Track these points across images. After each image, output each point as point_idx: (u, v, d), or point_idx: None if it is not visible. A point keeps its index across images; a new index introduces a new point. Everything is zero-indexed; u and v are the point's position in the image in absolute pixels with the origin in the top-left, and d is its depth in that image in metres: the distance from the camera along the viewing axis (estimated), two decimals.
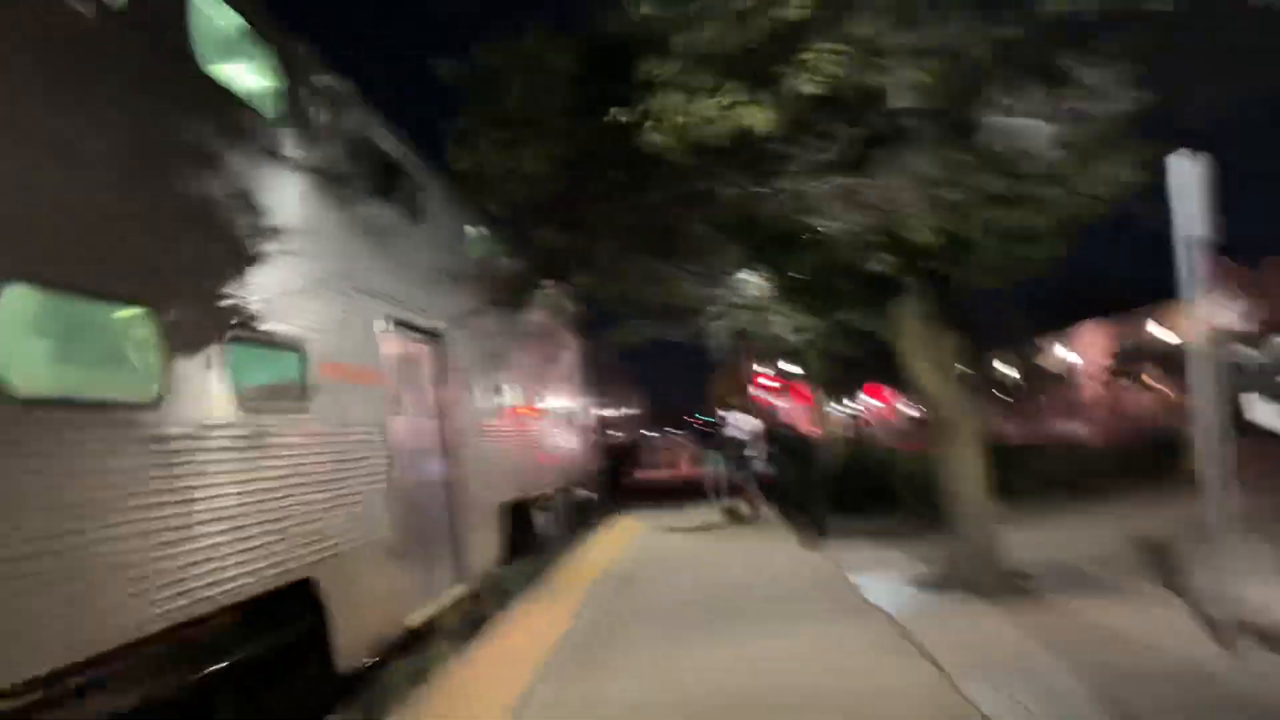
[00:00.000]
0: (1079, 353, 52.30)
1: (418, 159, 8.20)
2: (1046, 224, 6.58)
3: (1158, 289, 49.81)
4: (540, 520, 12.72)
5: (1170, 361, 43.88)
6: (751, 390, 22.16)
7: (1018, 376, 57.47)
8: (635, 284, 14.94)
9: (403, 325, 7.51)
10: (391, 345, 7.23)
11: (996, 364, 60.53)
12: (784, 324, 16.49)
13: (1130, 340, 49.60)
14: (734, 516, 13.79)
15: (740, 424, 13.85)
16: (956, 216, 6.56)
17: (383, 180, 7.15)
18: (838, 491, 11.93)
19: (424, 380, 8.09)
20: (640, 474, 26.69)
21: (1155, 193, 6.66)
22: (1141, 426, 17.94)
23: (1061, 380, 49.12)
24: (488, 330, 9.84)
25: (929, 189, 6.34)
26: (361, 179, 6.84)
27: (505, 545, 10.10)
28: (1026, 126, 5.95)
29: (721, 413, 14.05)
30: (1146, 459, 13.85)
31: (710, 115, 5.22)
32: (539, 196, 6.45)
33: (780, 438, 15.89)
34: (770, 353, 17.68)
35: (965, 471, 7.61)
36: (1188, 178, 4.91)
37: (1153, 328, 49.55)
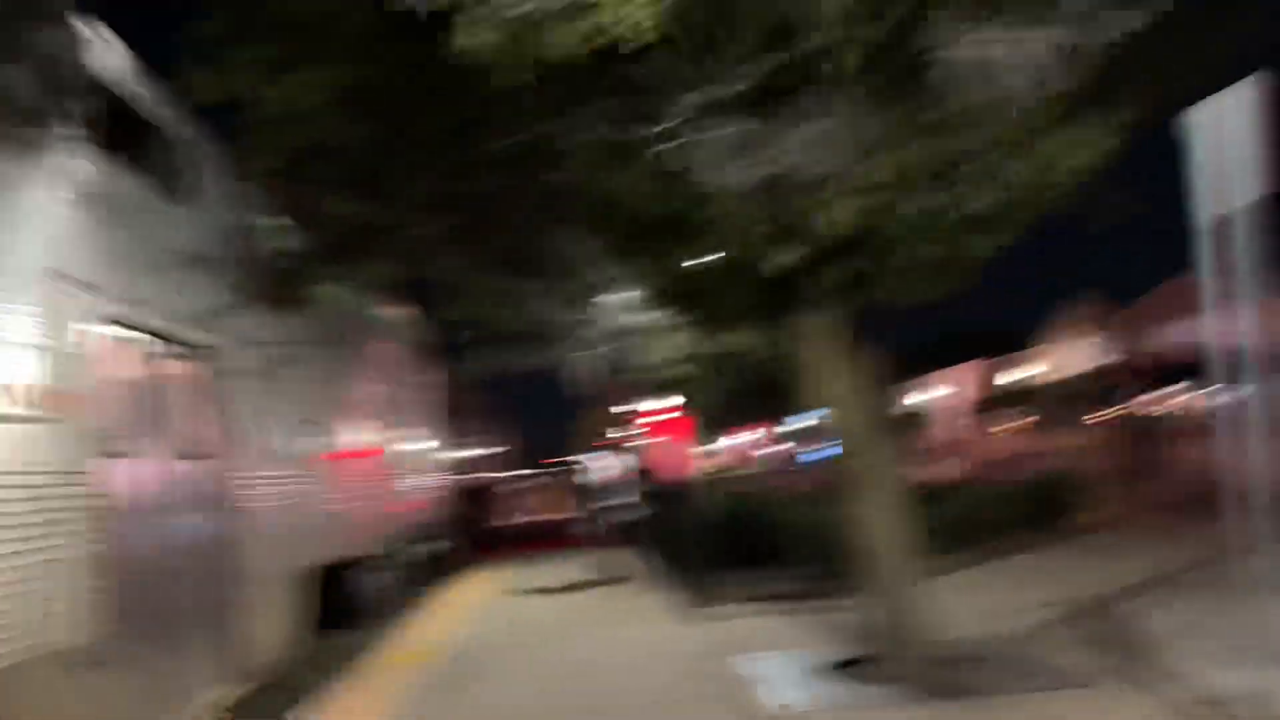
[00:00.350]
0: (951, 392, 52.91)
1: (163, 94, 6.09)
2: (997, 207, 5.11)
3: (1022, 333, 51.15)
4: (372, 582, 10.59)
5: (1040, 401, 44.71)
6: (620, 429, 20.45)
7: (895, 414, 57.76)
8: (473, 295, 12.94)
9: (136, 331, 5.45)
10: (111, 360, 5.17)
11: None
12: (658, 351, 14.86)
13: (1001, 379, 50.41)
14: (604, 574, 11.94)
15: (603, 467, 11.84)
16: (884, 195, 5.03)
17: (97, 119, 5.10)
18: (720, 545, 10.23)
19: (179, 410, 6.01)
20: (503, 521, 24.51)
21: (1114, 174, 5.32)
22: (1021, 469, 17.18)
23: (931, 420, 49.40)
24: (289, 348, 7.79)
25: (851, 155, 4.79)
26: (53, 112, 4.79)
27: (312, 620, 7.98)
28: (980, 69, 4.45)
29: (580, 456, 12.02)
30: (1044, 504, 12.80)
31: (553, 8, 3.48)
32: (320, 143, 4.56)
33: (651, 482, 14.21)
34: (642, 385, 15.96)
35: (882, 525, 6.07)
36: (1237, 114, 3.44)
37: (1023, 369, 50.57)
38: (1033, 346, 50.72)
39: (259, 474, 6.93)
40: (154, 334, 5.66)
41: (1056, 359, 46.64)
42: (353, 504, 9.92)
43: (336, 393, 9.76)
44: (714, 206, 4.87)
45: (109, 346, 5.14)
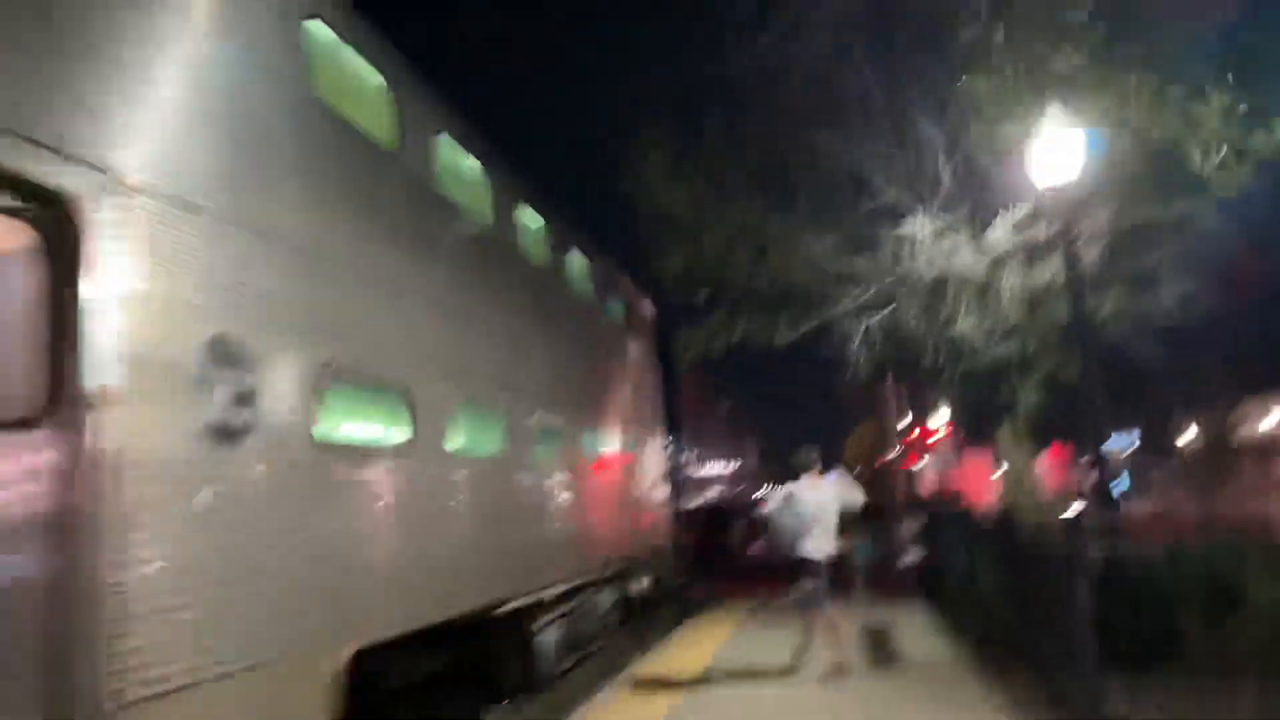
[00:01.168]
0: None
1: None
2: None
3: None
4: (510, 650, 6.98)
5: None
6: (904, 440, 16.00)
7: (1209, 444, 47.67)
8: (697, 223, 9.25)
9: None
10: None
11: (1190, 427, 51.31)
12: (977, 325, 10.24)
13: None
14: (883, 651, 7.67)
15: (815, 494, 6.88)
16: None
17: None
18: (1110, 628, 5.64)
19: None
20: (744, 551, 20.60)
21: None
22: None
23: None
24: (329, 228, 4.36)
25: None
26: None
27: None
28: None
29: (853, 474, 7.31)
30: None
31: None
32: None
33: (952, 513, 9.90)
34: (942, 380, 11.32)
35: None
36: None
37: None
38: None
39: (193, 469, 3.41)
40: None
41: None
42: (489, 527, 6.39)
43: (474, 343, 6.30)
44: None
45: None
